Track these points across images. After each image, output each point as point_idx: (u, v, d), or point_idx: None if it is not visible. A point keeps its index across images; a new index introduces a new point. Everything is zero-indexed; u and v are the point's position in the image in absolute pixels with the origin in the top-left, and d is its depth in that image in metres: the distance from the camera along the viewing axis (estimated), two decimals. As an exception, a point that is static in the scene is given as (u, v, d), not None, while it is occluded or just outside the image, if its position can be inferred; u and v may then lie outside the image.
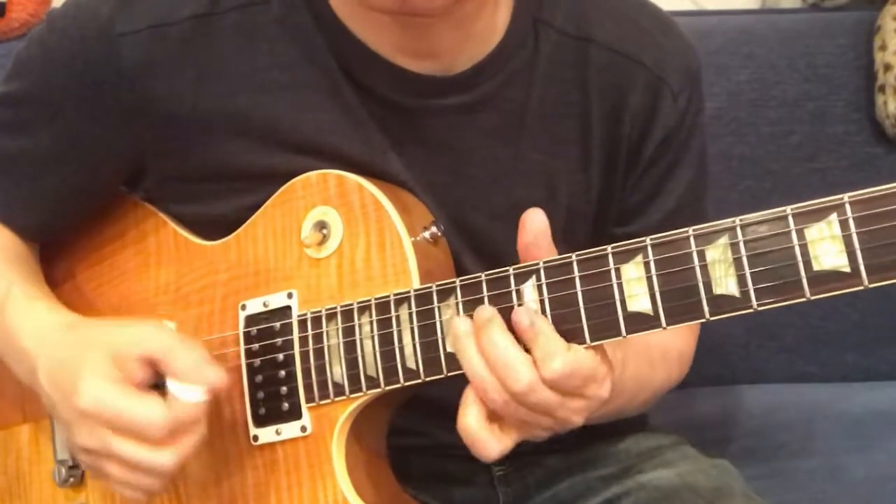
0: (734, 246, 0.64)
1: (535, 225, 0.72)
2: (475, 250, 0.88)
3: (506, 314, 0.71)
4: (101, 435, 0.74)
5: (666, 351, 0.93)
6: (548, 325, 0.69)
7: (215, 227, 0.87)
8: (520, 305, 0.71)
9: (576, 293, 0.69)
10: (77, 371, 0.75)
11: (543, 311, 0.70)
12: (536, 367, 0.68)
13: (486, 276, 0.73)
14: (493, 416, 0.71)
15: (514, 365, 0.68)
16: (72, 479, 0.91)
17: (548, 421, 0.70)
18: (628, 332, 0.68)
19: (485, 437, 0.71)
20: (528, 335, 0.69)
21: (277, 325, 0.81)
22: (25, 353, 0.82)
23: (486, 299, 0.72)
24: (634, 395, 0.89)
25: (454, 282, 0.74)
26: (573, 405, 0.70)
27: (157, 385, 0.76)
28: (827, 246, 0.62)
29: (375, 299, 0.77)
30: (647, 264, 0.67)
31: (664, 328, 0.67)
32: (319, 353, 0.79)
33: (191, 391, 0.74)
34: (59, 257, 0.96)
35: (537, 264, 0.71)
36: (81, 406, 0.74)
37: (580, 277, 0.69)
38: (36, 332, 0.83)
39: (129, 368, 0.75)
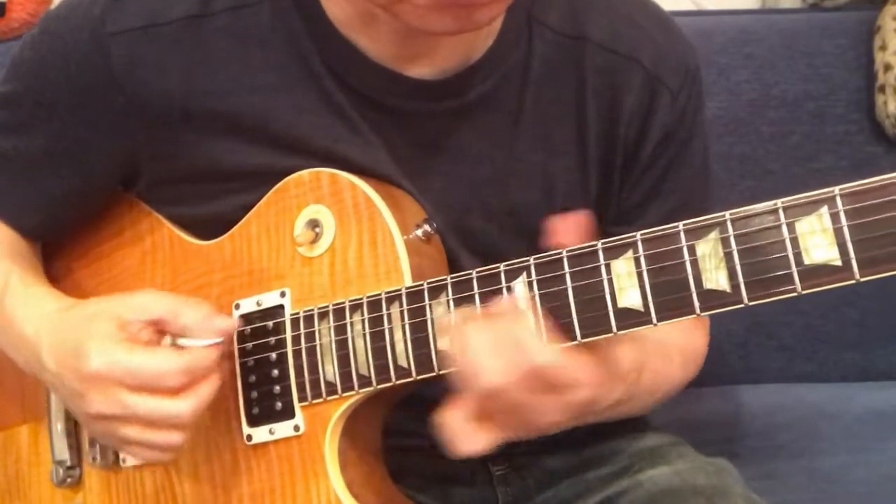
0: (724, 240, 0.64)
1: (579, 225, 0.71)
2: (472, 252, 0.87)
3: None
4: (116, 394, 0.74)
5: (683, 350, 0.93)
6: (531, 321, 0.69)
7: (210, 227, 0.87)
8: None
9: (566, 289, 0.69)
10: (83, 340, 0.76)
11: (534, 308, 0.70)
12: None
13: (477, 272, 0.73)
14: (475, 416, 0.70)
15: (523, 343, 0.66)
16: (69, 480, 0.91)
17: (531, 416, 0.69)
18: (619, 328, 0.67)
19: (465, 434, 0.69)
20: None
21: (270, 324, 0.81)
22: (26, 339, 0.83)
23: (476, 296, 0.72)
24: (651, 394, 0.88)
25: (445, 279, 0.74)
26: (555, 402, 0.68)
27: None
28: (818, 239, 0.61)
29: (367, 297, 0.77)
30: (637, 259, 0.67)
31: (655, 324, 0.66)
32: (312, 352, 0.79)
33: (204, 341, 0.76)
34: (56, 255, 0.96)
35: (527, 261, 0.71)
36: (92, 368, 0.74)
37: (570, 273, 0.69)
38: (36, 317, 0.83)
39: (134, 331, 0.76)
